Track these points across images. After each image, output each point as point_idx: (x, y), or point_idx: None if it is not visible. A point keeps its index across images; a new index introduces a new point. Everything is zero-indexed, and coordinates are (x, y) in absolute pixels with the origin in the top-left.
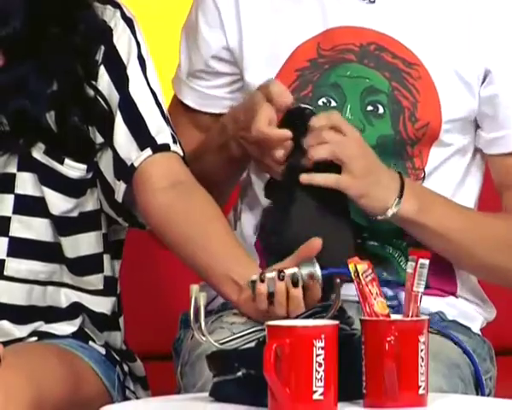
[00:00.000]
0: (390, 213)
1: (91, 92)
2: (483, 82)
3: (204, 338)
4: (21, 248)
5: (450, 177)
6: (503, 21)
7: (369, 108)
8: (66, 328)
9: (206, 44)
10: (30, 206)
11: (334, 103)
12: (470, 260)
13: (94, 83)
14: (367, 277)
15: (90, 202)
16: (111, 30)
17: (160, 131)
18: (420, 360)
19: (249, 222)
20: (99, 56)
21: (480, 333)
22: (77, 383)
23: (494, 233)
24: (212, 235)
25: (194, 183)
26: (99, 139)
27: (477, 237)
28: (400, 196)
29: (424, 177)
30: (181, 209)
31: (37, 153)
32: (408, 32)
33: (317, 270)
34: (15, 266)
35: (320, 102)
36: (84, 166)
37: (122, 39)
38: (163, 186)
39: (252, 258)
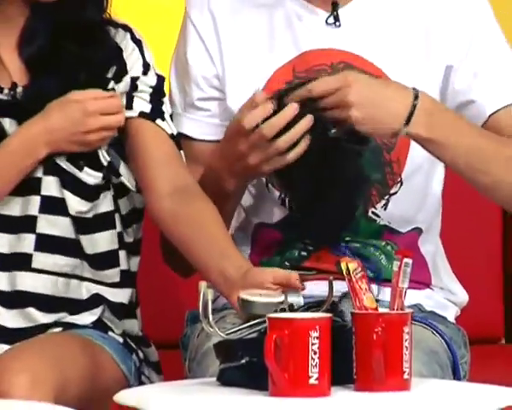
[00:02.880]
0: (403, 131)
1: None
2: (448, 79)
3: (211, 330)
4: (47, 243)
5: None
6: (456, 28)
7: None
8: (87, 318)
9: (197, 73)
10: (54, 206)
11: None
12: (485, 176)
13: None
14: (357, 274)
15: (104, 205)
16: (121, 50)
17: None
18: (404, 348)
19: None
20: (111, 73)
21: (454, 322)
22: (97, 369)
23: (508, 151)
24: (210, 236)
25: (195, 185)
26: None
27: (491, 154)
28: (408, 120)
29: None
30: (184, 213)
31: (60, 160)
32: (371, 49)
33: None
34: (42, 260)
35: None
36: (100, 175)
37: (131, 58)
38: (168, 192)
39: (244, 259)
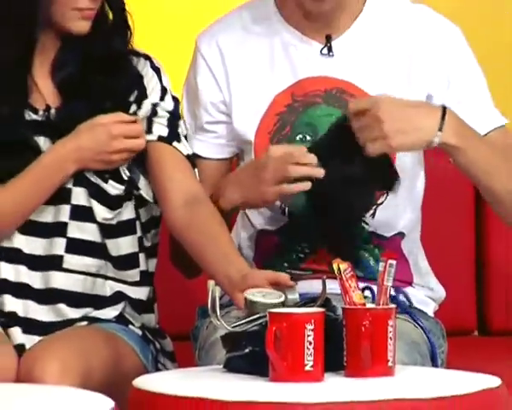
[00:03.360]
0: (435, 141)
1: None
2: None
3: (219, 323)
4: (76, 246)
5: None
6: (435, 61)
7: None
8: (110, 313)
9: (206, 100)
10: (82, 213)
11: (308, 138)
12: (499, 184)
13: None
14: (347, 274)
15: (126, 213)
16: (142, 77)
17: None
18: (389, 339)
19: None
20: (133, 97)
21: (433, 316)
22: (119, 358)
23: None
24: (217, 243)
25: (204, 196)
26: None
27: (501, 165)
28: (440, 129)
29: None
30: (195, 222)
31: (88, 173)
32: (361, 77)
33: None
34: (71, 261)
35: (297, 138)
36: (122, 187)
37: (150, 85)
38: (181, 204)
39: (245, 263)
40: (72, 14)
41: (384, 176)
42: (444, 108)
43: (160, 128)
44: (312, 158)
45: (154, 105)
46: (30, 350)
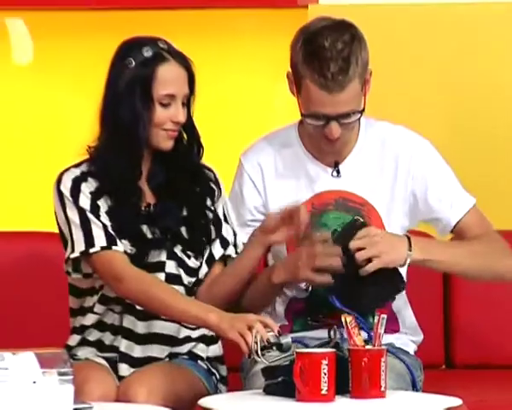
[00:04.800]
0: (408, 260)
1: (205, 218)
2: (416, 205)
3: (259, 359)
4: None
5: None
6: (415, 167)
7: None
8: (185, 350)
9: (250, 204)
10: (173, 279)
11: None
12: (467, 269)
13: (205, 212)
14: (352, 324)
15: (201, 276)
16: (211, 186)
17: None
18: (382, 371)
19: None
20: (209, 202)
21: (414, 354)
22: (190, 386)
23: (474, 248)
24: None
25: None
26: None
27: (466, 254)
28: (410, 249)
29: None
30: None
31: (177, 250)
32: (360, 189)
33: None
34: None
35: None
36: (199, 263)
37: (216, 193)
38: (207, 282)
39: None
40: (161, 135)
41: (394, 282)
42: (408, 237)
43: (219, 250)
44: (337, 249)
45: (224, 217)
46: (126, 379)
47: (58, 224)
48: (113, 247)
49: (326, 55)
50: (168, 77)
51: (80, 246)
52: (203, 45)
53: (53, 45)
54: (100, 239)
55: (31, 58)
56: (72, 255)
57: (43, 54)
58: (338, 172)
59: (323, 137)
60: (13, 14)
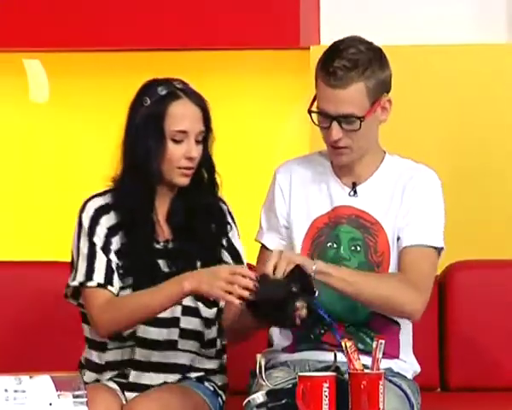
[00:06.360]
0: (314, 267)
1: (219, 254)
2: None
3: (264, 383)
4: (186, 334)
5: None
6: (412, 193)
7: (353, 247)
8: (193, 375)
9: (279, 211)
10: (190, 311)
11: (335, 245)
12: (361, 295)
13: (220, 251)
14: (351, 348)
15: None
16: (225, 214)
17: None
18: (380, 394)
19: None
20: (224, 241)
21: (412, 379)
22: (196, 407)
23: (378, 275)
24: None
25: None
26: None
27: (361, 281)
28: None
29: None
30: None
31: (190, 301)
32: (372, 207)
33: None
34: (183, 343)
35: (328, 245)
36: (213, 311)
37: (228, 226)
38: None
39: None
40: (176, 172)
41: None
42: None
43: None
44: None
45: (237, 254)
46: (132, 399)
47: (72, 247)
48: (109, 286)
49: (336, 54)
50: (180, 113)
51: (81, 277)
52: (209, 84)
53: (68, 85)
54: (99, 275)
55: (47, 97)
56: (72, 283)
57: (58, 93)
58: (355, 192)
59: (330, 145)
60: (30, 55)
